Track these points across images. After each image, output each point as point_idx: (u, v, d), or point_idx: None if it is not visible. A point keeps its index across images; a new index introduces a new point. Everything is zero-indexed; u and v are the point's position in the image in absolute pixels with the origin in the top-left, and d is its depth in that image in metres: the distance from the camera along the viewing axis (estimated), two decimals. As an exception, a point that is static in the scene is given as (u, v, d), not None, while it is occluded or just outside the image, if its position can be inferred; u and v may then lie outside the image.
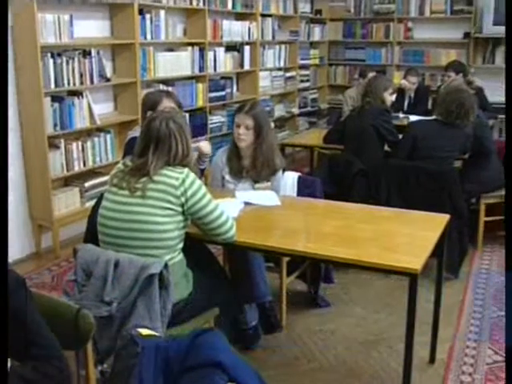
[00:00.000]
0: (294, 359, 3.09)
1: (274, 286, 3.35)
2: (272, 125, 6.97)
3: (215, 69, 6.05)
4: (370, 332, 3.35)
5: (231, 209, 2.79)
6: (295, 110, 7.59)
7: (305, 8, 7.87)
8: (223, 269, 3.11)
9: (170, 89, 5.25)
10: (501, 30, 6.89)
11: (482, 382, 2.87)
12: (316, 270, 3.51)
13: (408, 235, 2.63)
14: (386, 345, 3.21)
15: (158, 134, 2.46)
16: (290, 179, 3.42)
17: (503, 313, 3.56)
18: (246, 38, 6.46)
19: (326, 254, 2.44)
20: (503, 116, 6.69)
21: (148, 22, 5.07)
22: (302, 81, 7.76)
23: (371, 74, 5.93)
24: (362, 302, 3.71)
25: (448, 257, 3.88)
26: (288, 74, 7.41)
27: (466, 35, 7.37)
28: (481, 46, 7.36)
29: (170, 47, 5.58)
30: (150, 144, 2.46)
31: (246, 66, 6.56)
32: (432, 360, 3.05)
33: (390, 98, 4.58)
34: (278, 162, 3.29)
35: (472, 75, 7.00)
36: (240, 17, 6.52)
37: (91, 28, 4.75)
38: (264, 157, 3.24)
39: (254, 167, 3.28)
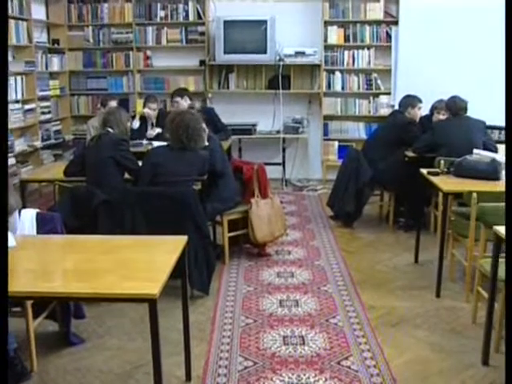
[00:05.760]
0: (47, 405, 2.97)
1: (22, 331, 3.19)
2: (13, 160, 6.63)
3: None
4: (127, 361, 3.35)
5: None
6: (38, 144, 7.26)
7: (41, 38, 7.61)
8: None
9: None
10: (231, 58, 7.46)
11: (235, 389, 3.05)
12: (65, 308, 3.40)
13: (147, 261, 2.68)
14: (143, 371, 3.22)
15: None
16: (28, 217, 3.27)
17: (251, 320, 3.82)
18: (-25, 71, 6.05)
19: (62, 292, 2.39)
20: (238, 136, 7.24)
21: None
22: (43, 113, 7.46)
23: (112, 103, 5.97)
24: (118, 333, 3.69)
25: (197, 276, 4.08)
26: (27, 107, 7.07)
27: (202, 63, 7.78)
28: (216, 72, 7.85)
29: None
30: None
31: (-22, 100, 6.13)
32: (188, 378, 3.14)
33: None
34: (12, 202, 3.13)
35: (210, 99, 7.47)
36: (-35, 48, 6.09)
37: None
38: None
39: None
